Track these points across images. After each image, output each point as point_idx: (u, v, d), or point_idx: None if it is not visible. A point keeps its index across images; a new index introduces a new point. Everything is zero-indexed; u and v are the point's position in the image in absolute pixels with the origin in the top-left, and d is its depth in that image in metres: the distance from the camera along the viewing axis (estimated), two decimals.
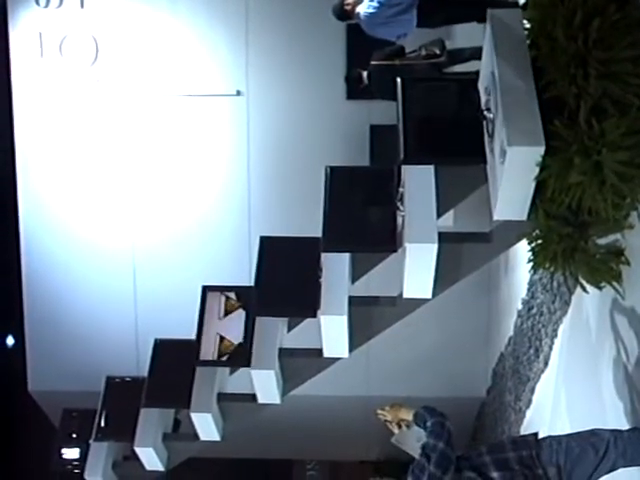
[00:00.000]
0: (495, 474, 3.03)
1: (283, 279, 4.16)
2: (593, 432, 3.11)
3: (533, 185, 3.28)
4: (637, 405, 3.51)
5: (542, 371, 5.36)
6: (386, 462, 8.09)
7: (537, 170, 3.16)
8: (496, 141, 3.28)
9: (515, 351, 6.11)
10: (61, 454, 5.17)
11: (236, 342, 4.39)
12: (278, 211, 6.67)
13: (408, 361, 7.01)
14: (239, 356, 4.35)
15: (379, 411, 3.57)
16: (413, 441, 3.39)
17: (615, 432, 3.09)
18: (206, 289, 4.52)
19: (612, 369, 3.83)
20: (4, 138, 6.91)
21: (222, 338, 4.42)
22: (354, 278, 4.23)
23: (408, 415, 3.41)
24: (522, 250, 4.65)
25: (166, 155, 6.86)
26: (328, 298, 4.04)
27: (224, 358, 4.40)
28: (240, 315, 4.41)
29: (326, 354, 4.24)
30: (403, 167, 3.85)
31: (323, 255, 4.10)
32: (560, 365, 4.95)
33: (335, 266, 4.12)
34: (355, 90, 5.77)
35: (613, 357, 3.82)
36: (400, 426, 3.49)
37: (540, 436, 3.22)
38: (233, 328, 4.42)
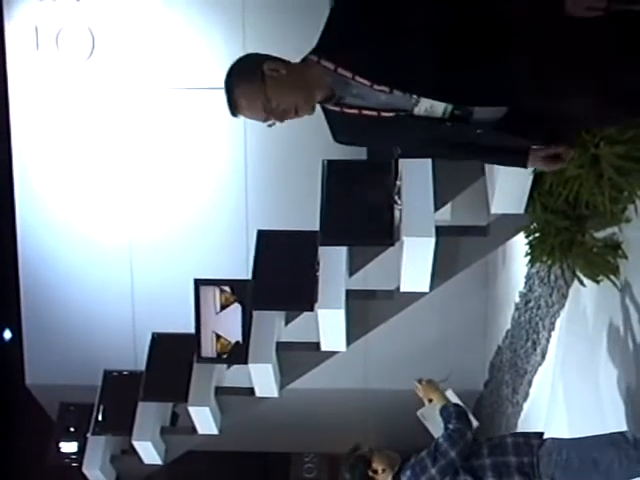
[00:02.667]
0: None
1: (280, 273, 4.16)
2: (600, 443, 2.97)
3: (531, 178, 3.29)
4: (635, 398, 3.51)
5: (539, 364, 5.37)
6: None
7: None
8: None
9: (512, 344, 6.12)
10: (59, 448, 5.17)
11: (233, 340, 4.39)
12: (275, 204, 6.66)
13: (405, 354, 7.01)
14: (237, 354, 4.36)
15: (415, 381, 3.57)
16: (437, 422, 3.39)
17: (622, 449, 2.90)
18: (198, 282, 4.48)
19: (609, 362, 3.83)
20: (0, 131, 6.89)
21: (218, 337, 4.42)
22: (351, 272, 4.23)
23: (438, 401, 3.40)
24: (519, 243, 4.65)
25: (163, 148, 6.84)
26: (325, 292, 4.04)
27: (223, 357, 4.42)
28: (236, 309, 4.41)
29: (324, 347, 4.24)
30: (400, 160, 3.85)
31: (320, 249, 4.10)
32: (557, 358, 4.96)
33: (332, 260, 4.12)
34: None
35: (610, 350, 3.83)
36: (431, 400, 3.49)
37: (543, 434, 3.16)
38: (230, 324, 4.41)
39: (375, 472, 3.29)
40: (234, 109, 2.18)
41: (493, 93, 2.06)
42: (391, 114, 2.12)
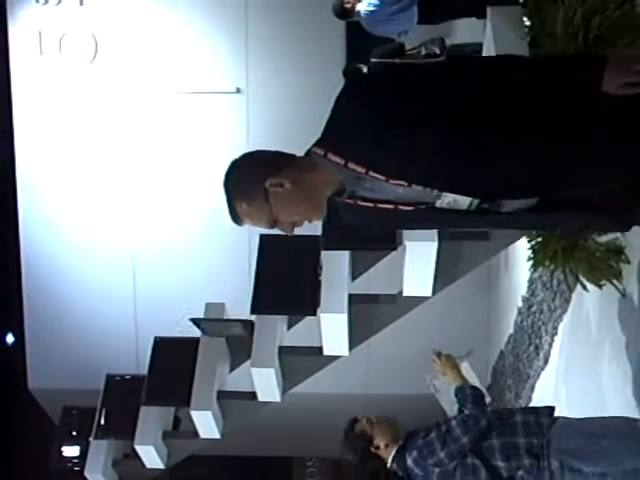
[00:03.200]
0: (501, 464, 2.88)
1: (283, 277, 4.16)
2: (611, 429, 2.88)
3: None
4: (638, 403, 3.51)
5: (542, 369, 5.36)
6: None
7: None
8: None
9: (515, 349, 6.11)
10: (61, 452, 5.16)
11: None
12: None
13: (408, 359, 6.99)
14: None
15: (434, 355, 3.49)
16: (449, 396, 3.33)
17: (633, 439, 2.81)
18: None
19: (612, 367, 3.83)
20: (3, 136, 6.90)
21: None
22: (354, 276, 4.23)
23: (454, 379, 3.32)
24: (522, 248, 4.65)
25: (166, 153, 6.85)
26: (328, 296, 4.04)
27: None
28: None
29: (326, 352, 4.24)
30: None
31: (323, 253, 4.10)
32: (560, 363, 4.95)
33: (335, 264, 4.12)
34: None
35: (613, 355, 3.82)
36: (445, 374, 3.42)
37: (554, 410, 3.05)
38: None
39: (377, 448, 3.16)
40: (237, 221, 1.99)
41: (522, 187, 1.85)
42: (410, 207, 1.90)
